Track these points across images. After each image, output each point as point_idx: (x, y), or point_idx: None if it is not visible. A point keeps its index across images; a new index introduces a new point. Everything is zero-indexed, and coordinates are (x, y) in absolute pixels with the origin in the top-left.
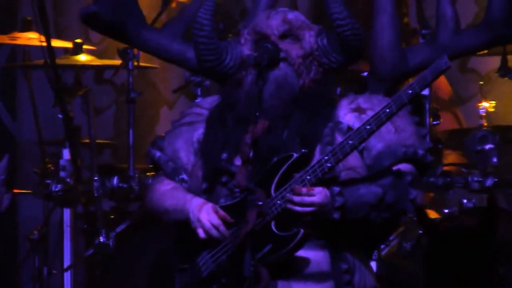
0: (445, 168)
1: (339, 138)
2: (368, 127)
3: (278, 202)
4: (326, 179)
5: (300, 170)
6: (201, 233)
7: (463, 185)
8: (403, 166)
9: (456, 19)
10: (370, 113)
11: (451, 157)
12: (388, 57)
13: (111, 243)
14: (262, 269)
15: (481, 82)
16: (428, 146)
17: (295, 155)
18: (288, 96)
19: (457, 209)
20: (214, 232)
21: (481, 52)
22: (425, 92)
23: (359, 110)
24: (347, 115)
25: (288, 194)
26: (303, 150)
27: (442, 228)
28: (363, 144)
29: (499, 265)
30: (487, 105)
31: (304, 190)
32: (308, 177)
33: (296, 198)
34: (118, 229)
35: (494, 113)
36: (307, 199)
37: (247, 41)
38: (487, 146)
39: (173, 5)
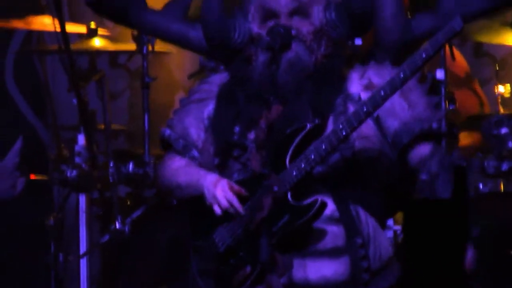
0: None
1: (351, 108)
2: (382, 93)
3: (294, 173)
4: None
5: (314, 141)
6: (217, 209)
7: (479, 170)
8: (424, 150)
9: None
10: (379, 82)
11: (467, 139)
12: (393, 27)
13: (126, 229)
14: (279, 255)
15: (497, 68)
16: (442, 115)
17: (309, 125)
18: (301, 73)
19: (473, 194)
20: (230, 209)
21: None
22: (441, 76)
23: (371, 86)
24: (361, 93)
25: (302, 164)
26: (316, 121)
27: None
28: (382, 123)
29: (509, 249)
30: (502, 90)
31: None
32: (323, 147)
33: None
34: (134, 215)
35: (509, 98)
36: None
37: (255, 18)
38: (503, 131)
39: None
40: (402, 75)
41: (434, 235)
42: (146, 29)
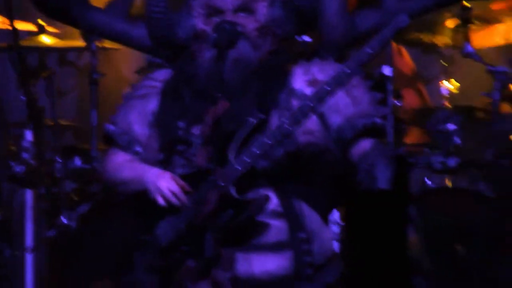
0: (408, 148)
1: (295, 104)
2: (327, 88)
3: (238, 167)
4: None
5: (258, 136)
6: (160, 200)
7: (426, 165)
8: (366, 145)
9: None
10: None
11: (414, 135)
12: (336, 24)
13: (73, 224)
14: (224, 250)
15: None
16: (385, 112)
17: (253, 120)
18: (246, 70)
19: (420, 189)
20: (173, 199)
21: None
22: (388, 72)
23: (314, 82)
24: (304, 89)
25: (246, 159)
26: (260, 116)
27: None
28: (326, 120)
29: (459, 246)
30: (450, 86)
31: None
32: (267, 141)
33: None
34: (81, 210)
35: (457, 94)
36: None
37: (200, 14)
38: (450, 127)
39: None
40: (347, 71)
41: (375, 227)
42: (89, 27)
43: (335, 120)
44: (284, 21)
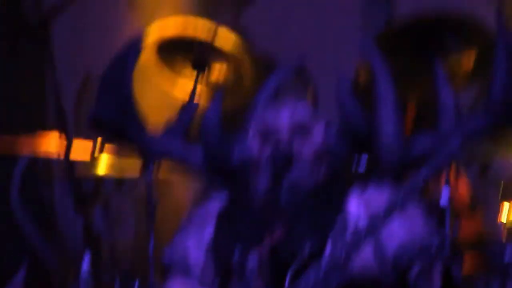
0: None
1: (350, 227)
2: (381, 216)
3: None
4: None
5: (312, 265)
6: None
7: None
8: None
9: (457, 109)
10: (378, 200)
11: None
12: (392, 146)
13: None
14: None
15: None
16: (441, 238)
17: (307, 248)
18: (303, 194)
19: None
20: None
21: None
22: (444, 202)
23: (370, 206)
24: (360, 213)
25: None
26: (314, 244)
27: None
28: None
29: None
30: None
31: None
32: (322, 270)
33: None
34: None
35: None
36: None
37: (255, 136)
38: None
39: None
40: (401, 198)
41: None
42: (147, 152)
43: (391, 247)
44: (340, 144)
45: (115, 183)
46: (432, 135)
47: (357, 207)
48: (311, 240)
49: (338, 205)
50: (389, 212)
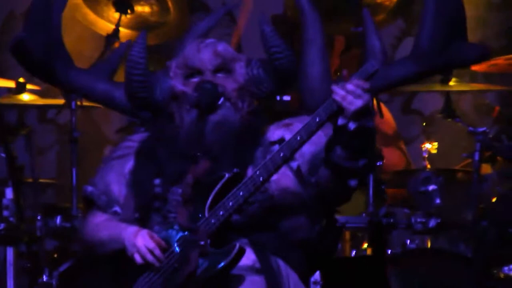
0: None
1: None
2: (298, 138)
3: (213, 220)
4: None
5: (232, 189)
6: (137, 258)
7: (406, 226)
8: None
9: (384, 52)
10: (299, 125)
11: (394, 196)
12: (319, 89)
13: (54, 282)
14: None
15: (424, 123)
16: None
17: (227, 174)
18: (229, 131)
19: (401, 250)
20: (149, 257)
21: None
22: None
23: (286, 125)
24: (276, 132)
25: (221, 212)
26: (235, 170)
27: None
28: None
29: None
30: (429, 146)
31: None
32: (241, 193)
33: (350, 86)
34: (61, 268)
35: (436, 154)
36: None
37: (177, 74)
38: (430, 187)
39: (116, 45)
40: (317, 119)
41: None
42: (71, 88)
43: (308, 149)
44: (262, 81)
45: (38, 112)
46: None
47: (275, 134)
48: (230, 169)
49: (259, 139)
50: (304, 135)
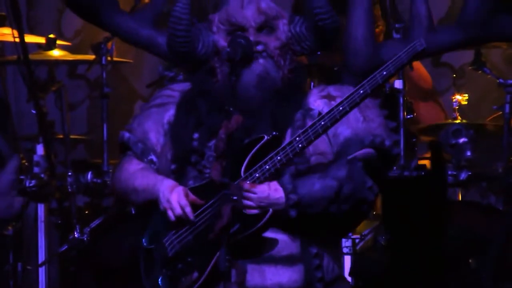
0: (420, 161)
1: (310, 123)
2: (340, 108)
3: (248, 182)
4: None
5: (270, 152)
6: (170, 214)
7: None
8: (363, 150)
9: (429, 17)
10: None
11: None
12: (362, 51)
13: (85, 239)
14: (234, 262)
15: (454, 75)
16: (396, 139)
17: (266, 137)
18: (270, 88)
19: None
20: (181, 214)
21: None
22: (399, 85)
23: (329, 97)
24: (317, 101)
25: (257, 174)
26: (274, 133)
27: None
28: (333, 129)
29: (471, 258)
30: (460, 98)
31: (246, 185)
32: (278, 158)
33: (238, 193)
34: (93, 225)
35: (467, 107)
36: (247, 194)
37: (220, 30)
38: (461, 140)
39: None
40: (361, 91)
41: (413, 214)
42: (116, 31)
43: (343, 131)
44: (305, 39)
45: (68, 68)
46: (402, 42)
47: (317, 102)
48: (269, 131)
49: (299, 102)
50: (346, 106)
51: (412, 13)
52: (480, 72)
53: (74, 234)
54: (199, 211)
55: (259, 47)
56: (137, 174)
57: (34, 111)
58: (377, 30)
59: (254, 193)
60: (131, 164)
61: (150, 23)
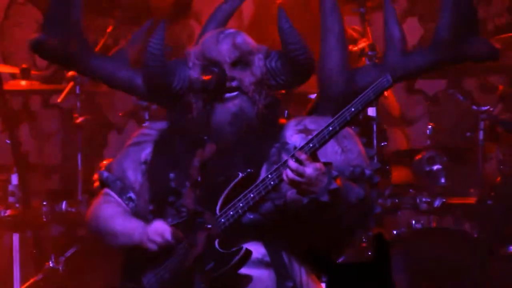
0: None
1: (285, 158)
2: (311, 145)
3: (223, 220)
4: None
5: (245, 189)
6: (151, 245)
7: (412, 206)
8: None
9: (403, 41)
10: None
11: (399, 176)
12: (337, 78)
13: (60, 268)
14: None
15: (428, 103)
16: (376, 167)
17: (241, 174)
18: (245, 126)
19: (406, 230)
20: (163, 243)
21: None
22: (372, 113)
23: (305, 131)
24: (293, 136)
25: (231, 212)
26: (249, 170)
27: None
28: None
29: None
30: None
31: (303, 156)
32: (251, 195)
33: (292, 163)
34: (67, 254)
35: (441, 134)
36: (301, 168)
37: (196, 65)
38: (435, 167)
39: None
40: (330, 129)
41: None
42: (92, 75)
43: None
44: (280, 74)
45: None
46: (377, 68)
47: (293, 136)
48: (244, 168)
49: (275, 136)
50: (317, 143)
51: (386, 36)
52: (454, 99)
53: (49, 264)
54: (179, 246)
55: (234, 83)
56: (116, 217)
57: (8, 141)
58: (355, 48)
59: (304, 172)
60: (110, 205)
61: (127, 64)
